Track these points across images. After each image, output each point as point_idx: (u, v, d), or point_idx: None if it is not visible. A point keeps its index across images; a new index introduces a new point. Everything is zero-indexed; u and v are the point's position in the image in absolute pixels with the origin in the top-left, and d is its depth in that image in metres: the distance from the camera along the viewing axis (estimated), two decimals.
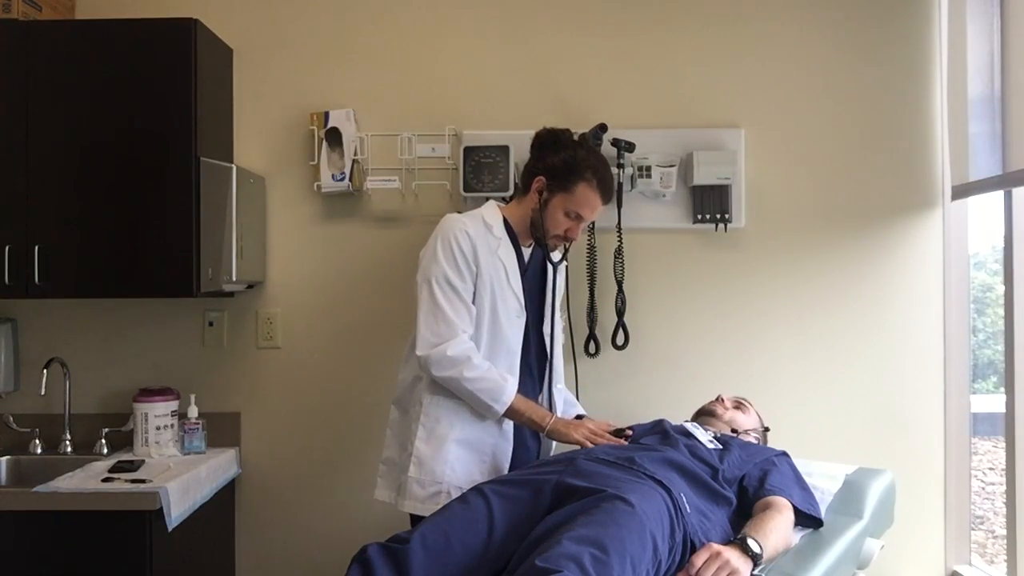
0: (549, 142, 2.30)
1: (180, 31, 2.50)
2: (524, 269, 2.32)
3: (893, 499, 2.37)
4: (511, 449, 2.25)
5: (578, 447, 2.20)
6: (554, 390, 2.39)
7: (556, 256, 2.40)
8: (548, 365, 2.38)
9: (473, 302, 2.21)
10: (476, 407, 2.20)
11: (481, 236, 2.23)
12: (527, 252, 2.35)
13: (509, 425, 2.25)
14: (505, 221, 2.31)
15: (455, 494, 2.12)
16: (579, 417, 2.42)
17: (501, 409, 2.18)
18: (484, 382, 2.16)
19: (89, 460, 2.59)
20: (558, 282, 2.41)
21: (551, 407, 2.34)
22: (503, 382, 2.18)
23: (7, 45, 2.49)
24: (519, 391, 2.22)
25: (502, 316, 2.24)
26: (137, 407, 2.64)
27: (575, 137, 2.35)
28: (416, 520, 2.18)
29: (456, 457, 2.20)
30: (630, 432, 2.23)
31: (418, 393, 2.27)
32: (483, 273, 2.21)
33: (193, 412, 2.69)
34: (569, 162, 2.24)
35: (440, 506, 2.07)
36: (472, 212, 2.33)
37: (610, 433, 2.23)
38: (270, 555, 2.83)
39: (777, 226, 2.77)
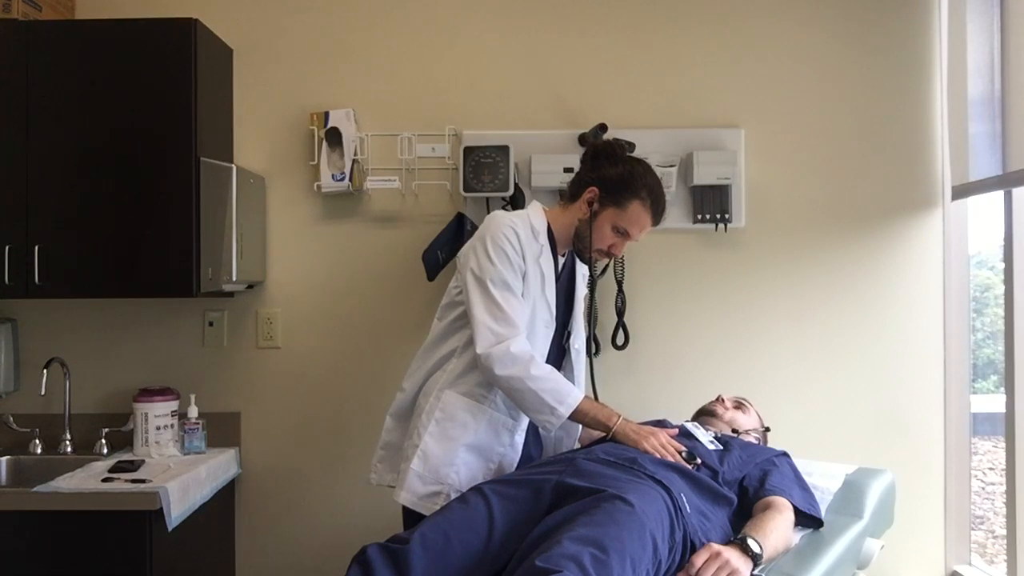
0: (606, 153, 2.21)
1: (180, 31, 2.50)
2: (556, 278, 2.25)
3: (893, 499, 2.37)
4: (518, 460, 2.19)
5: (578, 448, 2.19)
6: None
7: (597, 269, 2.31)
8: (571, 375, 2.31)
9: None
10: (533, 410, 2.08)
11: (528, 240, 2.15)
12: (560, 261, 2.29)
13: (520, 436, 2.18)
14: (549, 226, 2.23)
15: (453, 496, 2.08)
16: None
17: (566, 412, 2.06)
18: (550, 382, 2.06)
19: (89, 460, 2.59)
20: (586, 294, 2.34)
21: (567, 423, 2.23)
22: (570, 386, 2.10)
23: (7, 45, 2.49)
24: None
25: (533, 325, 2.17)
26: (137, 407, 2.64)
27: (624, 147, 2.26)
28: (407, 514, 2.17)
29: (464, 462, 2.13)
30: (699, 462, 2.05)
31: (432, 384, 2.20)
32: (527, 278, 2.15)
33: (193, 412, 2.69)
34: (626, 177, 2.16)
35: (436, 506, 2.07)
36: (519, 213, 2.25)
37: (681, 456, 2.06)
38: (270, 555, 2.83)
39: (777, 226, 2.78)
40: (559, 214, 2.26)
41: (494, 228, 2.14)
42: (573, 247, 2.25)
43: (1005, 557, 2.55)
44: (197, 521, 2.47)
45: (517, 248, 2.12)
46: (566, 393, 2.07)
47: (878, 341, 2.76)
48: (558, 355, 2.31)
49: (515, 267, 2.12)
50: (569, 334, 2.33)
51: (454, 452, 2.13)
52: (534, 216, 2.23)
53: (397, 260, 2.78)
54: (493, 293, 2.09)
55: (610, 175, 2.17)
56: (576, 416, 2.09)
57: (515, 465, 2.18)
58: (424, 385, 2.23)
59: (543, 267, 2.18)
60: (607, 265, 2.34)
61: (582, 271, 2.38)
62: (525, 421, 2.19)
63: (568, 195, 2.26)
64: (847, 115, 2.77)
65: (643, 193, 2.15)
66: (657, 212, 2.20)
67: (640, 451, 2.03)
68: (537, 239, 2.18)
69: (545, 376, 2.07)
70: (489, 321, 2.07)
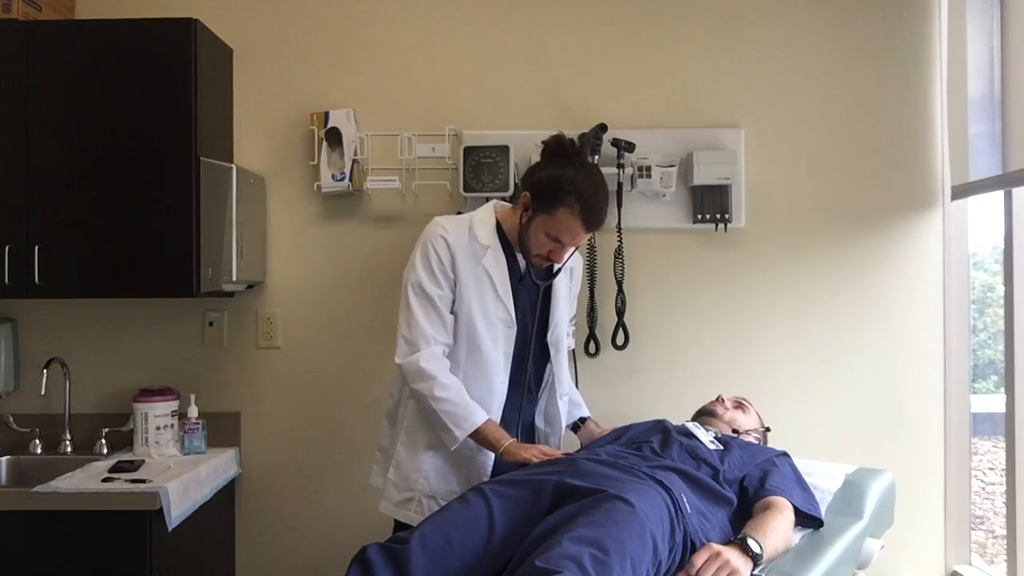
0: (551, 152, 2.14)
1: (180, 31, 2.50)
2: (520, 276, 2.22)
3: (893, 499, 2.37)
4: (492, 462, 2.16)
5: (577, 449, 2.19)
6: (559, 401, 2.31)
7: (551, 271, 2.26)
8: (546, 374, 2.31)
9: (452, 311, 2.15)
10: (436, 426, 2.11)
11: (463, 244, 2.14)
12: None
13: None
14: (500, 226, 2.22)
15: (427, 503, 2.12)
16: (583, 420, 2.43)
17: (461, 436, 2.08)
18: (450, 404, 2.07)
19: (89, 460, 2.59)
20: (562, 292, 2.30)
21: (553, 419, 2.31)
22: (472, 410, 2.09)
23: (7, 45, 2.49)
24: (508, 403, 2.18)
25: (481, 328, 2.15)
26: (137, 407, 2.64)
27: (579, 144, 2.15)
28: (395, 523, 2.18)
29: (432, 466, 2.16)
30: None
31: (405, 391, 2.22)
32: (462, 283, 2.13)
33: (193, 412, 2.69)
34: (555, 181, 2.06)
35: (412, 512, 2.11)
36: (461, 216, 2.25)
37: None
38: (270, 555, 2.83)
39: (777, 226, 2.77)
40: (509, 214, 2.24)
41: (424, 237, 2.18)
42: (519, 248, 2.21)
43: (1005, 557, 2.55)
44: (197, 521, 2.47)
45: (445, 256, 2.13)
46: (464, 417, 2.08)
47: (878, 341, 2.76)
48: (541, 353, 2.30)
49: (439, 276, 2.12)
50: (551, 331, 2.30)
51: (420, 458, 2.17)
52: (479, 218, 2.21)
53: (397, 260, 2.75)
54: (411, 300, 2.13)
55: (540, 179, 2.10)
56: (474, 437, 2.10)
57: (490, 468, 2.16)
58: (401, 393, 2.26)
59: (488, 268, 2.15)
60: (558, 269, 2.24)
61: (570, 265, 2.32)
62: None
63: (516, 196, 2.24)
64: (847, 115, 2.76)
65: (571, 200, 2.05)
66: (589, 220, 2.08)
67: (523, 460, 2.04)
68: (477, 240, 2.16)
69: (447, 398, 2.08)
70: (404, 330, 2.13)
